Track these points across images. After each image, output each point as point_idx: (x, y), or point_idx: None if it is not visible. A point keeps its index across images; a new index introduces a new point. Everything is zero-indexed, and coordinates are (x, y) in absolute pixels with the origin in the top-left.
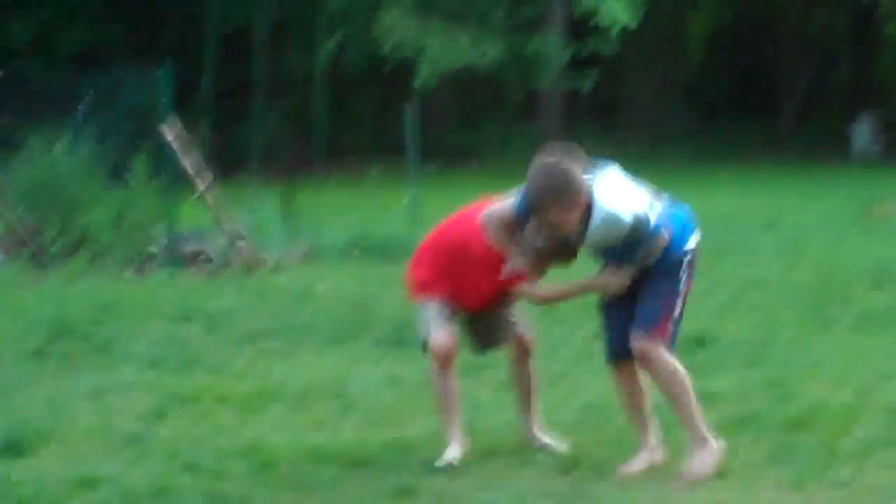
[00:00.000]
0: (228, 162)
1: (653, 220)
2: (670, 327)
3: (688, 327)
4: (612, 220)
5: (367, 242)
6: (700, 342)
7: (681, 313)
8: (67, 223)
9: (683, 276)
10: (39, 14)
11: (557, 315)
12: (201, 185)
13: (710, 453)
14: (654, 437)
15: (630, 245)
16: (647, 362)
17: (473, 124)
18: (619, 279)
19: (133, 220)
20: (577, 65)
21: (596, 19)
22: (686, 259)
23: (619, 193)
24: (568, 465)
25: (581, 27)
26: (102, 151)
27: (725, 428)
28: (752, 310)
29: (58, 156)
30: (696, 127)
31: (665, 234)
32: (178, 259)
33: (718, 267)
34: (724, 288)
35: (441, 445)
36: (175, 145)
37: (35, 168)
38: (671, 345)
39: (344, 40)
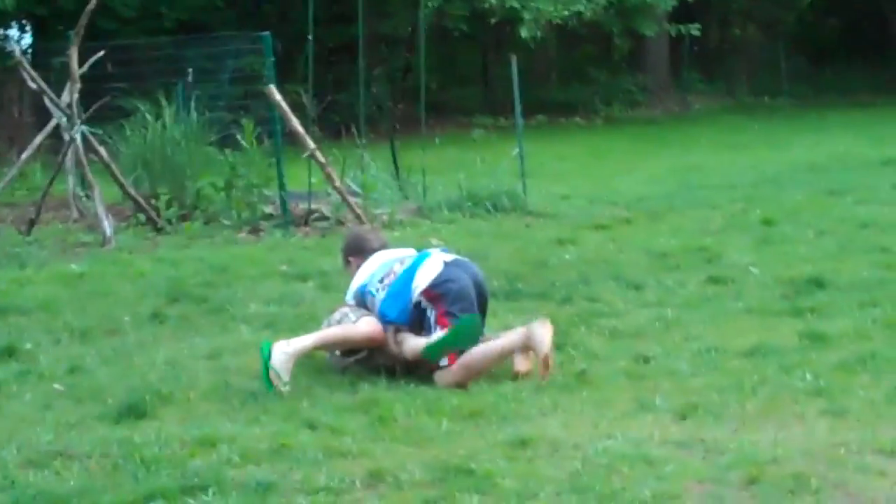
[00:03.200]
0: (334, 124)
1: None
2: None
3: (804, 270)
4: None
5: (476, 197)
6: (818, 284)
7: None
8: (180, 188)
9: (431, 315)
10: None
11: (670, 262)
12: (311, 145)
13: None
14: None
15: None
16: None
17: (578, 77)
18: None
19: (244, 183)
20: (683, 13)
21: None
22: (420, 305)
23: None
24: (685, 411)
25: None
26: (211, 117)
27: (844, 368)
28: (869, 250)
29: (168, 123)
30: (804, 72)
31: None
32: (291, 219)
33: (834, 208)
34: (840, 229)
35: (555, 393)
36: (282, 106)
37: (146, 135)
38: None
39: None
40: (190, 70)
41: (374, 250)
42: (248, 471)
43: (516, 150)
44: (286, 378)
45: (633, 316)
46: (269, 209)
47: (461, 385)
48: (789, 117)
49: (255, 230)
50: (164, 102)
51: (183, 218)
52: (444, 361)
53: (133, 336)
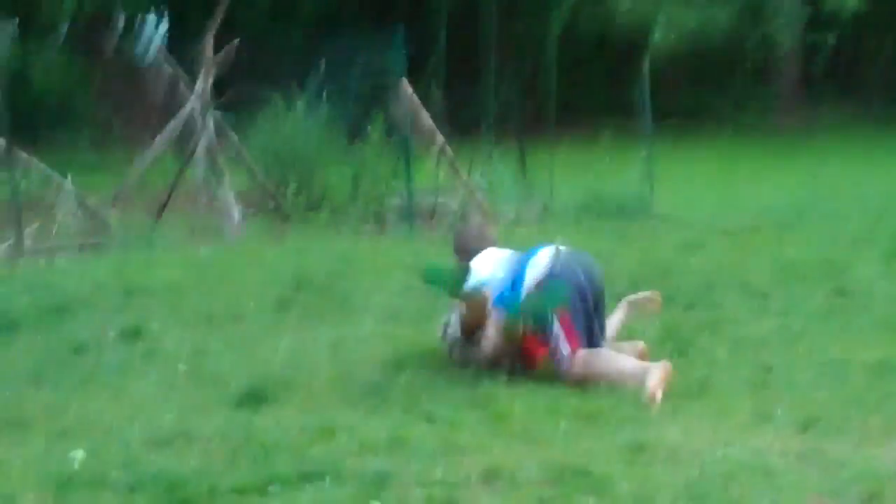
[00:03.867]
0: (461, 123)
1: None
2: (570, 339)
3: None
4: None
5: (602, 201)
6: None
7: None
8: (308, 180)
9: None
10: None
11: (797, 272)
12: (438, 141)
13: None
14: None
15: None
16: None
17: (708, 86)
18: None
19: (371, 177)
20: (817, 24)
21: None
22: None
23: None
24: (807, 423)
25: None
26: (340, 111)
27: None
28: None
29: (298, 115)
30: None
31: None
32: (416, 214)
33: None
34: None
35: (676, 399)
36: (411, 101)
37: (277, 127)
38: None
39: (577, 4)
40: (322, 61)
41: (480, 250)
42: (366, 461)
43: (644, 154)
44: None
45: (757, 325)
46: (395, 203)
47: (582, 380)
48: None
49: (380, 223)
50: (295, 93)
51: (310, 209)
52: (565, 350)
53: (257, 322)
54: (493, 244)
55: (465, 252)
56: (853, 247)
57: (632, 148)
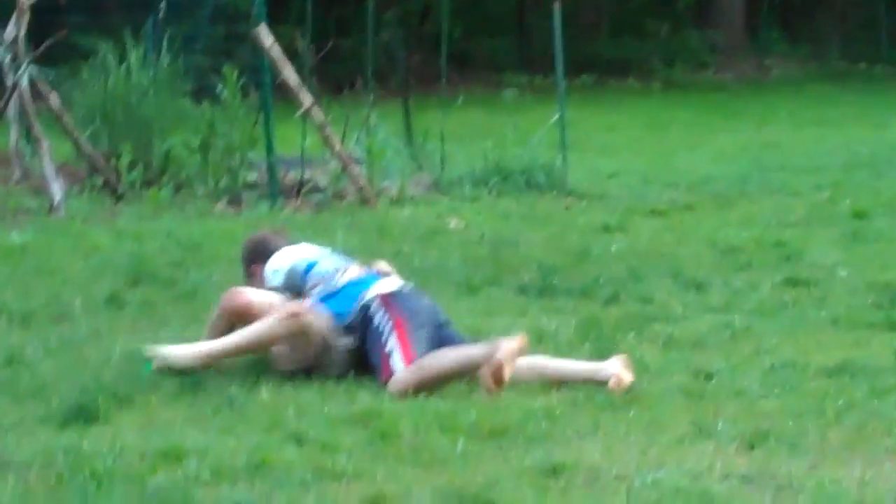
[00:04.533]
0: (334, 77)
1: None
2: (406, 354)
3: None
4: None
5: (505, 171)
6: None
7: (408, 333)
8: (146, 147)
9: (382, 319)
10: None
11: (740, 258)
12: (306, 102)
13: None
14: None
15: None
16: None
17: (634, 30)
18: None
19: (224, 143)
20: None
21: None
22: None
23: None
24: (754, 439)
25: None
26: (186, 62)
27: None
28: None
29: (133, 67)
30: None
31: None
32: (280, 189)
33: None
34: None
35: (596, 412)
36: (273, 52)
37: (107, 82)
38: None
39: None
40: (162, 4)
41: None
42: (221, 491)
43: (556, 116)
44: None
45: (693, 322)
46: (252, 177)
47: (418, 390)
48: (889, 89)
49: (235, 201)
50: (129, 42)
51: (148, 183)
52: (399, 365)
53: (85, 323)
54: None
55: (266, 255)
56: (806, 227)
57: (541, 108)
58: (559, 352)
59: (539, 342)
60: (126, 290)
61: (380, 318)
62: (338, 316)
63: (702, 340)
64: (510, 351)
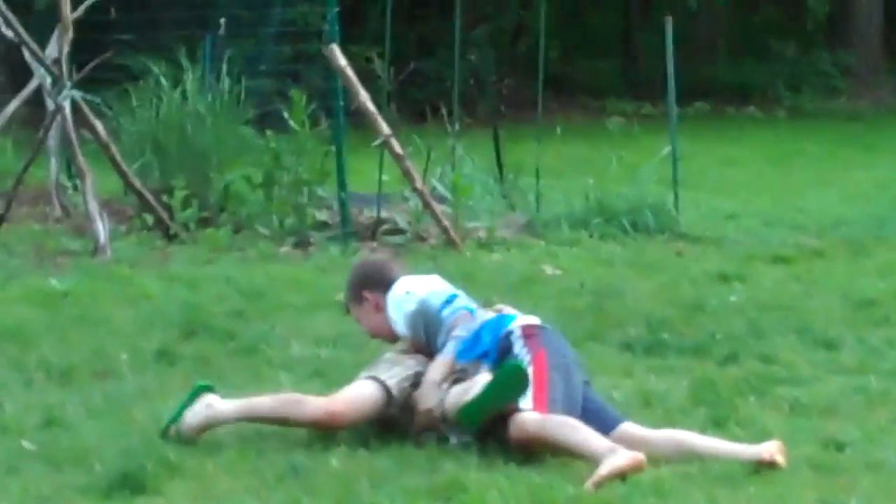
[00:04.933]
0: (416, 103)
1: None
2: (538, 394)
3: None
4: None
5: (608, 211)
6: None
7: (548, 371)
8: (203, 181)
9: (521, 351)
10: None
11: (877, 312)
12: (383, 131)
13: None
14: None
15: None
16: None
17: (756, 52)
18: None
19: (291, 178)
20: None
21: None
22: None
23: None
24: None
25: None
26: (248, 86)
27: None
28: None
29: (189, 91)
30: None
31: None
32: (353, 230)
33: None
34: None
35: (712, 486)
36: (346, 75)
37: (160, 107)
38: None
39: None
40: (222, 21)
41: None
42: None
43: (667, 149)
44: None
45: (822, 385)
46: (322, 216)
47: (531, 446)
48: None
49: (302, 243)
50: (185, 63)
51: (205, 223)
52: (528, 404)
53: (132, 381)
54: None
55: (379, 287)
56: None
57: (650, 139)
58: (669, 418)
59: (647, 406)
60: (178, 344)
61: (519, 348)
62: (483, 356)
63: (833, 406)
64: (623, 468)
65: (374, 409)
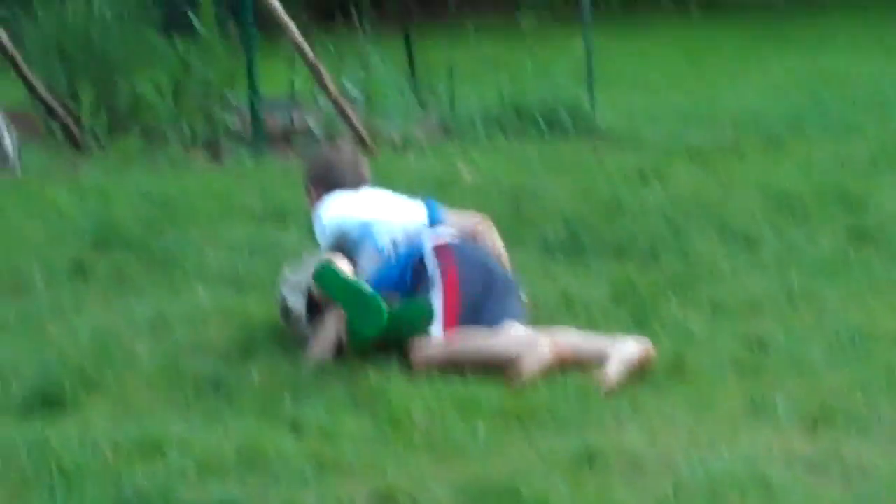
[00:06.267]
0: (324, 7)
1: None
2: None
3: None
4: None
5: (523, 111)
6: None
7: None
8: (111, 90)
9: (435, 273)
10: None
11: (797, 208)
12: (294, 34)
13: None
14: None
15: None
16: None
17: None
18: None
19: (201, 84)
20: None
21: None
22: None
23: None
24: (818, 418)
25: None
26: None
27: None
28: None
29: None
30: None
31: None
32: (265, 136)
33: None
34: None
35: (636, 391)
36: None
37: (63, 16)
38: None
39: None
40: None
41: (349, 186)
42: (208, 488)
43: (582, 47)
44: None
45: (744, 283)
46: (234, 122)
47: (443, 367)
48: None
49: (214, 151)
50: None
51: (114, 132)
52: (436, 330)
53: (45, 296)
54: (367, 183)
55: (327, 183)
56: (873, 169)
57: (563, 36)
58: (592, 321)
59: (568, 309)
60: (92, 257)
61: (432, 268)
62: (398, 285)
63: (755, 305)
64: (546, 359)
65: None
